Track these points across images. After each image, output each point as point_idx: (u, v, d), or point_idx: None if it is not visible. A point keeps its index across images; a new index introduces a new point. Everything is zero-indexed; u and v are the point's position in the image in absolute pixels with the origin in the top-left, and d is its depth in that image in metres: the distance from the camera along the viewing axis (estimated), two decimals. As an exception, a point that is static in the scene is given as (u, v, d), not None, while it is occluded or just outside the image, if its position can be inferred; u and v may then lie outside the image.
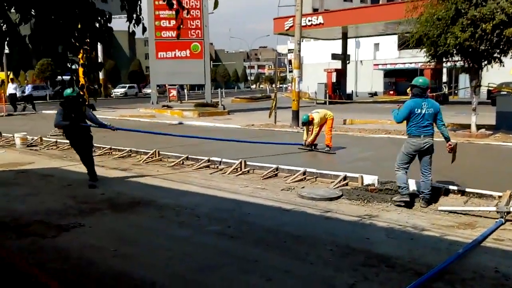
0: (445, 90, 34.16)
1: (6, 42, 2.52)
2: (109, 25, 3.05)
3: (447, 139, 6.43)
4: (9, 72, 36.24)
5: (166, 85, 34.05)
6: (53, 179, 8.16)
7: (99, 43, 3.18)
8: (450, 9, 11.64)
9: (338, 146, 10.96)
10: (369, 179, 7.20)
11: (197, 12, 23.94)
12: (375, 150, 7.80)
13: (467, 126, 14.20)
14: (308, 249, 4.53)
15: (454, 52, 12.29)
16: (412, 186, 6.60)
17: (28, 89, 26.24)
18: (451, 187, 6.71)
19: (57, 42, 2.71)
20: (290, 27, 28.85)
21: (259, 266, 4.12)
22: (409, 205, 6.07)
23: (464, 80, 36.37)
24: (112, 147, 10.96)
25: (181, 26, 3.93)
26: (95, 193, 6.97)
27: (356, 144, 11.96)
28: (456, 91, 36.57)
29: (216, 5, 3.14)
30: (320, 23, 28.49)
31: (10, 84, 25.33)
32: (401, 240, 4.83)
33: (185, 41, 24.12)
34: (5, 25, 2.56)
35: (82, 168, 9.00)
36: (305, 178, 7.67)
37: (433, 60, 13.34)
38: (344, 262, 4.21)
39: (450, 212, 5.79)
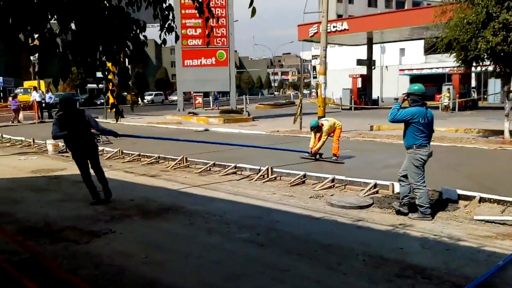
0: (474, 95, 33.39)
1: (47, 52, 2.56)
2: (143, 34, 3.08)
3: None
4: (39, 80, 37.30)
5: (192, 92, 34.36)
6: (84, 185, 8.25)
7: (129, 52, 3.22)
8: (481, 13, 11.39)
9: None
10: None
11: (223, 20, 24.12)
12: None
13: (499, 132, 13.80)
14: (340, 259, 4.44)
15: (485, 56, 12.01)
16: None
17: (48, 97, 26.76)
18: (486, 195, 6.47)
19: (95, 52, 2.75)
20: (315, 33, 28.81)
21: (290, 275, 4.06)
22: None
23: (493, 85, 35.52)
24: (141, 153, 11.09)
25: (211, 33, 3.93)
26: (126, 199, 7.03)
27: (385, 150, 11.76)
28: (485, 97, 35.70)
29: (253, 13, 3.13)
30: (345, 29, 28.33)
31: (34, 93, 26.01)
32: (437, 251, 4.68)
33: (211, 49, 24.31)
34: (47, 35, 2.60)
35: (112, 175, 9.14)
36: (333, 185, 7.56)
37: (463, 65, 13.05)
38: (377, 273, 4.10)
39: (487, 221, 5.59)
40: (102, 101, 41.94)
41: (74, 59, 2.66)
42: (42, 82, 40.01)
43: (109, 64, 3.14)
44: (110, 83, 3.07)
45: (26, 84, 43.67)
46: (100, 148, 12.27)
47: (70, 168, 10.10)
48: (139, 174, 9.22)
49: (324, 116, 15.44)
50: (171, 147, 11.71)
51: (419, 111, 5.87)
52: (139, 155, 11.07)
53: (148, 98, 52.81)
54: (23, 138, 14.83)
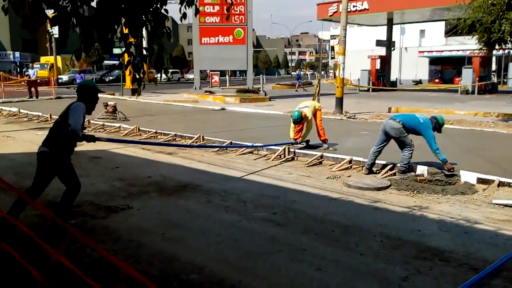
0: (494, 79, 32.68)
1: (70, 23, 2.56)
2: (164, 8, 3.05)
3: None
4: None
5: (208, 71, 34.29)
6: (101, 161, 8.37)
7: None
8: (506, -6, 11.07)
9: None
10: (419, 169, 7.00)
11: (241, -3, 23.86)
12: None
13: (520, 117, 13.55)
14: (358, 240, 4.44)
15: (509, 39, 11.69)
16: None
17: (78, 78, 27.54)
18: (505, 179, 6.39)
19: (117, 24, 2.74)
20: (334, 12, 28.32)
21: (308, 255, 4.08)
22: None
23: (514, 68, 34.73)
24: (158, 131, 11.16)
25: (231, 7, 3.88)
26: (143, 176, 7.10)
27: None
28: (505, 80, 34.92)
29: None
30: (365, 9, 27.74)
31: (30, 70, 26.55)
32: (455, 234, 4.66)
33: (228, 26, 24.12)
34: (70, 6, 2.59)
35: (129, 151, 9.26)
36: (351, 166, 7.53)
37: (485, 48, 12.74)
38: (395, 254, 4.10)
39: (506, 206, 5.52)
40: (111, 78, 42.25)
41: (97, 32, 2.65)
42: (59, 57, 40.35)
43: (131, 39, 3.13)
44: (132, 57, 3.06)
45: (43, 59, 44.09)
46: (116, 125, 12.43)
47: (87, 144, 10.16)
48: (156, 151, 9.28)
49: (342, 97, 15.31)
50: (188, 126, 11.77)
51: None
52: (155, 132, 11.14)
53: (164, 75, 52.71)
54: (40, 113, 15.00)
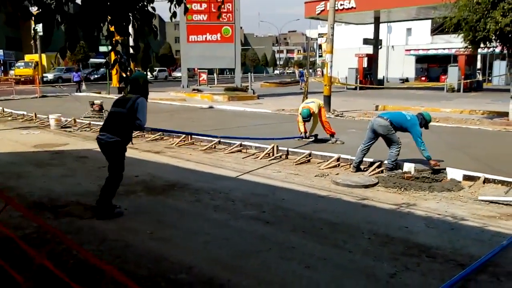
0: (479, 77, 33.09)
1: (55, 21, 2.51)
2: (151, 5, 3.01)
3: None
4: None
5: (196, 69, 34.17)
6: (88, 160, 8.28)
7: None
8: (490, -7, 11.20)
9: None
10: (406, 166, 7.05)
11: (229, -5, 23.79)
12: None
13: (504, 114, 13.75)
14: (346, 237, 4.46)
15: (494, 37, 11.84)
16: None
17: (75, 76, 28.30)
18: (490, 176, 6.48)
19: (103, 22, 2.69)
20: (322, 11, 28.39)
21: (297, 253, 4.09)
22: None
23: (498, 67, 35.23)
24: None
25: (222, 5, 3.86)
26: (130, 175, 7.02)
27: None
28: (490, 78, 35.41)
29: None
30: (352, 7, 27.86)
31: None
32: (441, 230, 4.71)
33: (216, 24, 24.03)
34: (54, 3, 2.54)
35: (116, 150, 9.14)
36: (339, 164, 7.56)
37: (471, 46, 12.88)
38: (383, 251, 4.13)
39: (491, 202, 5.60)
40: (97, 76, 41.86)
41: (82, 29, 2.60)
42: (43, 55, 39.79)
43: (117, 37, 3.08)
44: (119, 55, 3.02)
45: (27, 57, 43.46)
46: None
47: (73, 143, 10.13)
48: (143, 150, 9.22)
49: (329, 96, 15.38)
50: (176, 124, 11.69)
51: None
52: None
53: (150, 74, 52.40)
54: (24, 112, 14.81)
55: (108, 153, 5.12)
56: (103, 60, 43.07)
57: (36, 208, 5.38)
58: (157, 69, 54.87)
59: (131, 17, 2.77)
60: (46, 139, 10.58)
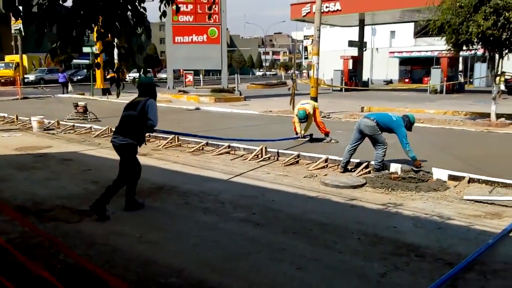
0: (461, 79, 33.62)
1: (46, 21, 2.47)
2: (143, 5, 2.99)
3: None
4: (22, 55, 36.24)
5: (181, 70, 34.03)
6: (72, 163, 8.16)
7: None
8: (473, -4, 11.41)
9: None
10: (392, 167, 7.11)
11: (215, -4, 23.75)
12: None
13: (486, 115, 13.98)
14: (336, 238, 4.48)
15: (476, 40, 12.05)
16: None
17: (60, 77, 27.94)
18: (475, 176, 6.59)
19: (94, 23, 2.66)
20: (307, 13, 28.52)
21: (287, 254, 4.09)
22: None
23: (479, 69, 35.87)
24: (131, 132, 10.96)
25: (213, 6, 3.84)
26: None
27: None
28: (471, 80, 36.01)
29: None
30: (337, 10, 28.01)
31: None
32: (429, 230, 4.76)
33: (202, 26, 23.97)
34: (46, 3, 2.50)
35: (101, 153, 9.07)
36: (327, 165, 7.60)
37: (453, 49, 13.08)
38: (373, 251, 4.16)
39: (476, 201, 5.69)
40: (80, 77, 41.34)
41: (72, 30, 2.56)
42: (24, 56, 39.14)
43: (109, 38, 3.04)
44: (110, 57, 2.98)
45: (8, 58, 42.64)
46: (87, 126, 12.15)
47: (57, 146, 9.97)
48: (130, 152, 9.11)
49: (316, 97, 15.43)
50: (162, 126, 11.54)
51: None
52: (129, 133, 10.94)
53: (136, 75, 51.78)
54: (5, 115, 14.55)
55: (122, 154, 5.37)
56: (86, 61, 42.57)
57: (20, 212, 5.27)
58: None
59: (124, 18, 2.74)
60: (29, 142, 10.40)
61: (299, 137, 10.04)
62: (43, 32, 2.51)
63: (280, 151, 8.39)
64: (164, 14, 3.28)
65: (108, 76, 18.14)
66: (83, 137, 11.08)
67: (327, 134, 10.14)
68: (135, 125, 5.26)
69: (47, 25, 2.52)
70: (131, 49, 2.85)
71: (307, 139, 10.09)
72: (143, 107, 5.22)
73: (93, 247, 4.29)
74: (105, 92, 24.71)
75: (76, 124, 12.42)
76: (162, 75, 51.59)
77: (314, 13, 16.85)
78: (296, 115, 9.96)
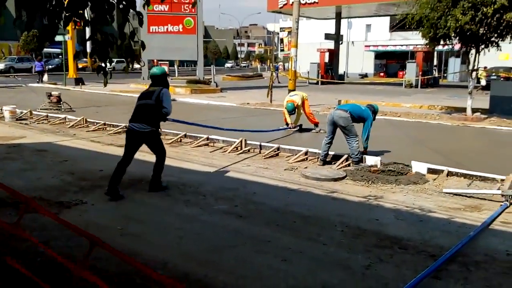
0: (436, 73, 34.27)
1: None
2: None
3: None
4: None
5: (156, 61, 33.49)
6: (48, 154, 7.93)
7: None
8: (451, -9, 11.55)
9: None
10: (372, 160, 7.17)
11: (191, -15, 23.41)
12: (374, 132, 7.87)
13: (462, 110, 14.27)
14: (319, 230, 4.48)
15: (453, 35, 12.23)
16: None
17: (37, 66, 27.16)
18: (454, 169, 6.69)
19: (83, 8, 2.54)
20: (284, 5, 28.45)
21: (272, 247, 4.07)
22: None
23: (453, 64, 36.61)
24: (106, 122, 10.75)
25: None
26: (94, 169, 6.80)
27: (353, 125, 11.91)
28: (445, 75, 36.74)
29: None
30: (314, 2, 28.03)
31: None
32: (410, 222, 4.82)
33: (177, 15, 23.61)
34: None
35: (77, 144, 8.86)
36: (307, 158, 7.60)
37: (430, 43, 13.26)
38: (356, 243, 4.18)
39: (455, 194, 5.79)
40: (51, 67, 40.24)
41: (61, 15, 2.44)
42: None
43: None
44: (96, 45, 2.86)
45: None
46: (62, 116, 11.83)
47: (30, 136, 9.68)
48: (106, 143, 8.95)
49: (294, 90, 15.45)
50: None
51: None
52: (104, 124, 10.73)
53: (108, 65, 50.60)
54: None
55: (147, 141, 5.78)
56: (58, 50, 41.39)
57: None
58: (115, 60, 53.36)
59: (115, 3, 2.62)
60: (1, 132, 10.05)
61: (289, 128, 10.42)
62: (34, 17, 2.38)
63: (260, 143, 8.33)
64: (147, 2, 3.16)
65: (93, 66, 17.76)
66: (57, 128, 10.79)
67: (316, 124, 10.48)
68: (152, 113, 5.58)
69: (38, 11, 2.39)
70: (124, 35, 2.74)
71: (296, 129, 10.44)
72: (158, 95, 5.56)
73: (73, 239, 4.13)
74: (78, 82, 24.11)
75: (50, 114, 12.07)
76: (136, 65, 50.62)
77: (291, 4, 16.82)
78: (285, 108, 10.33)
